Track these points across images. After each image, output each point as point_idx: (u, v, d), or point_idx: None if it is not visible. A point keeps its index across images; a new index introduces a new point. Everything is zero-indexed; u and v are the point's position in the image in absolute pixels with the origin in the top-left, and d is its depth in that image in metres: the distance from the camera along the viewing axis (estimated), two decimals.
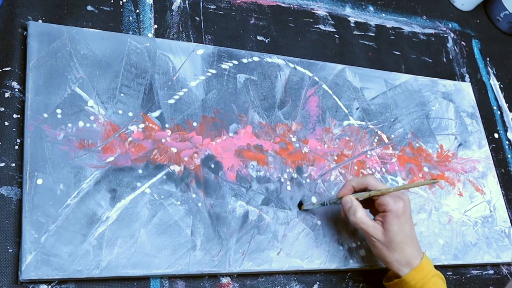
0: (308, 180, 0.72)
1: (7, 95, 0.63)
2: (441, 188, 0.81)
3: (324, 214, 0.71)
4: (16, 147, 0.61)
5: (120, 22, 0.73)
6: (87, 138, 0.63)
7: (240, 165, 0.69)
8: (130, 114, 0.66)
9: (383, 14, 0.95)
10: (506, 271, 0.82)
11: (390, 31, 0.94)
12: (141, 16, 0.75)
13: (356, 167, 0.76)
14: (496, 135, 0.94)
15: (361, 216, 0.64)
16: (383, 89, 0.84)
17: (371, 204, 0.66)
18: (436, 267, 0.76)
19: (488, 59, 1.02)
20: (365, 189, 0.66)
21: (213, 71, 0.73)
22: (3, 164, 0.59)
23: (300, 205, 0.70)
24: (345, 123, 0.79)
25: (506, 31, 1.07)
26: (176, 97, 0.70)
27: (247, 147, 0.71)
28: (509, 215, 0.86)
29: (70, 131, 0.62)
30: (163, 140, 0.66)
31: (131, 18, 0.74)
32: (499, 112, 0.97)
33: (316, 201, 0.71)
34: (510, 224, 0.84)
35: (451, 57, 0.98)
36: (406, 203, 0.64)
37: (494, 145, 0.92)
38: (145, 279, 0.61)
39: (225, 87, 0.73)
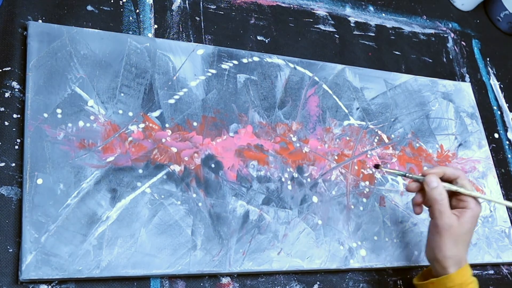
0: (309, 180, 0.72)
1: (7, 95, 0.63)
2: None
3: (325, 213, 0.71)
4: (16, 147, 0.61)
5: (120, 22, 0.73)
6: (87, 138, 0.62)
7: (241, 165, 0.69)
8: (130, 114, 0.66)
9: (383, 14, 0.95)
10: (506, 271, 0.82)
11: (390, 31, 0.94)
12: (141, 16, 0.75)
13: (356, 167, 0.76)
14: (496, 135, 0.94)
15: (445, 198, 0.64)
16: (383, 89, 0.84)
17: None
18: None
19: (488, 59, 1.02)
20: (451, 181, 0.66)
21: (213, 71, 0.73)
22: (3, 164, 0.59)
23: (377, 166, 0.69)
24: (345, 123, 0.79)
25: (506, 31, 1.07)
26: (176, 97, 0.70)
27: (247, 146, 0.71)
28: (509, 215, 0.86)
29: (70, 131, 0.62)
30: (163, 140, 0.66)
31: (131, 18, 0.74)
32: (499, 112, 0.97)
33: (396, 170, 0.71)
34: (510, 224, 0.84)
35: (451, 57, 0.98)
36: (481, 209, 0.66)
37: (494, 145, 0.92)
38: (145, 279, 0.61)
39: (225, 87, 0.73)
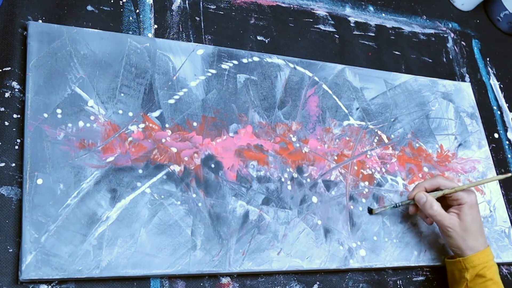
0: (308, 180, 0.72)
1: (7, 95, 0.63)
2: None
3: (325, 213, 0.71)
4: (16, 147, 0.61)
5: (120, 22, 0.73)
6: (87, 138, 0.63)
7: (241, 165, 0.69)
8: (130, 114, 0.66)
9: (383, 14, 0.95)
10: (506, 271, 0.82)
11: (390, 31, 0.94)
12: (141, 16, 0.75)
13: (356, 167, 0.76)
14: (496, 135, 0.94)
15: (438, 208, 0.70)
16: (383, 89, 0.84)
17: (441, 201, 0.71)
18: (436, 267, 0.76)
19: (488, 59, 1.02)
20: (436, 189, 0.71)
21: (213, 71, 0.73)
22: (3, 164, 0.59)
23: (370, 210, 0.73)
24: (345, 123, 0.79)
25: (506, 31, 1.07)
26: (176, 97, 0.70)
27: (247, 147, 0.71)
28: (509, 215, 0.86)
29: (70, 131, 0.62)
30: (163, 140, 0.66)
31: (131, 18, 0.74)
32: (499, 112, 0.97)
33: (386, 204, 0.74)
34: (510, 224, 0.84)
35: (451, 57, 0.98)
36: (475, 195, 0.71)
37: (494, 145, 0.92)
38: (145, 279, 0.61)
39: (225, 87, 0.73)
